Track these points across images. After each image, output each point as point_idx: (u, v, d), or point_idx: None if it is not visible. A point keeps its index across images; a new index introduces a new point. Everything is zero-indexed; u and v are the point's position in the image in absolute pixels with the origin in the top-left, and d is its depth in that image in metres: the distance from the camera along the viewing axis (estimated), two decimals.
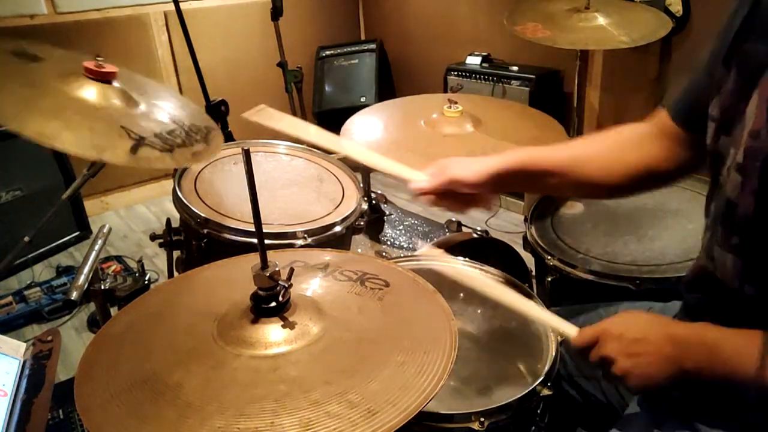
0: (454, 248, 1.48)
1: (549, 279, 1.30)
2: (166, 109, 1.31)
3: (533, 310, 0.95)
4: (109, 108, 1.18)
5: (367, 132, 1.45)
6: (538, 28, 1.83)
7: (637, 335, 0.81)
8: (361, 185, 1.57)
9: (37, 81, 1.15)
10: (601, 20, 1.92)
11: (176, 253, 1.50)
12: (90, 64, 1.21)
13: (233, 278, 0.86)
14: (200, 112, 1.42)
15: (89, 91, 1.17)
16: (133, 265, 2.62)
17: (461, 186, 0.97)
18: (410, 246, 1.77)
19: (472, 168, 0.97)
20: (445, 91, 3.03)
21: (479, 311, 1.17)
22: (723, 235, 0.79)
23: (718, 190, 0.80)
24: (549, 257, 1.31)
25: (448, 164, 0.99)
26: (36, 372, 0.86)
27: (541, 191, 1.36)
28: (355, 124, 1.48)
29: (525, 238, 1.42)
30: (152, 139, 1.15)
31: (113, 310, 1.17)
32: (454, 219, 1.79)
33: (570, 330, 0.88)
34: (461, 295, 1.18)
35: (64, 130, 1.06)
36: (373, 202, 1.88)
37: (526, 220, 1.47)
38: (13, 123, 1.02)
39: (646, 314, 0.87)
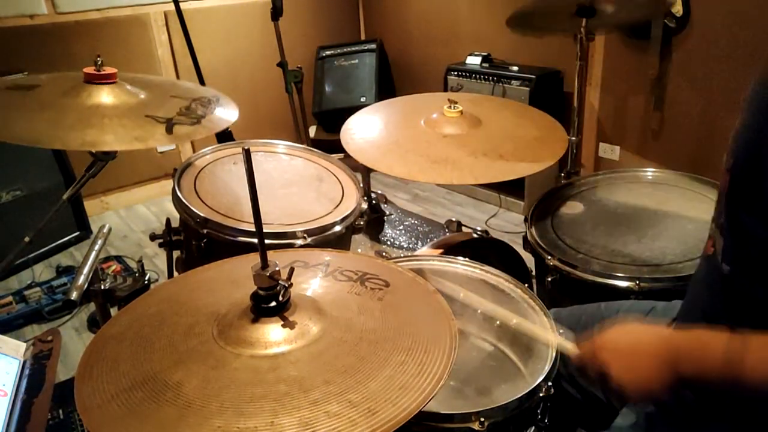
0: (454, 248, 1.48)
1: (549, 279, 1.30)
2: (170, 91, 1.39)
3: (536, 330, 0.96)
4: (123, 105, 1.25)
5: (367, 131, 1.45)
6: None
7: (631, 346, 0.81)
8: (361, 185, 1.57)
9: (47, 104, 1.22)
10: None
11: (176, 253, 1.50)
12: (90, 69, 1.23)
13: (233, 278, 0.86)
14: (197, 86, 1.49)
15: (99, 96, 1.24)
16: (133, 265, 2.62)
17: None
18: (410, 246, 1.77)
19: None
20: (445, 91, 3.03)
21: (479, 311, 1.17)
22: (716, 215, 0.82)
23: None
24: (549, 257, 1.31)
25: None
26: (36, 372, 0.86)
27: None
28: (354, 123, 1.48)
29: (525, 238, 1.42)
30: (178, 117, 1.24)
31: (113, 310, 1.17)
32: (453, 219, 1.79)
33: (570, 348, 0.89)
34: (461, 295, 1.18)
35: (103, 134, 1.14)
36: (373, 201, 1.88)
37: (526, 220, 1.47)
38: (56, 143, 1.11)
39: (637, 324, 0.86)
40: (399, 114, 1.56)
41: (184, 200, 1.34)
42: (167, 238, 1.44)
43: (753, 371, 0.70)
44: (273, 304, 0.73)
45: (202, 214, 1.29)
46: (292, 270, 0.74)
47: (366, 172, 1.80)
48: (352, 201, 1.45)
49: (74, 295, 1.05)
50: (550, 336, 0.94)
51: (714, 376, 0.73)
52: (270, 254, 0.73)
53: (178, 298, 0.86)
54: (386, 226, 1.88)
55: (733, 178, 0.77)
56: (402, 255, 1.51)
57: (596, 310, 1.11)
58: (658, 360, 0.78)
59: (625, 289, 1.20)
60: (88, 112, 1.18)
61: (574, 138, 1.89)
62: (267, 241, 0.75)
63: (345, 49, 3.67)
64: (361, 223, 1.45)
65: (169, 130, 1.18)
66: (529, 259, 1.48)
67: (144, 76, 1.42)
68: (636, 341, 0.81)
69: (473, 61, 2.99)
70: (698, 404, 0.82)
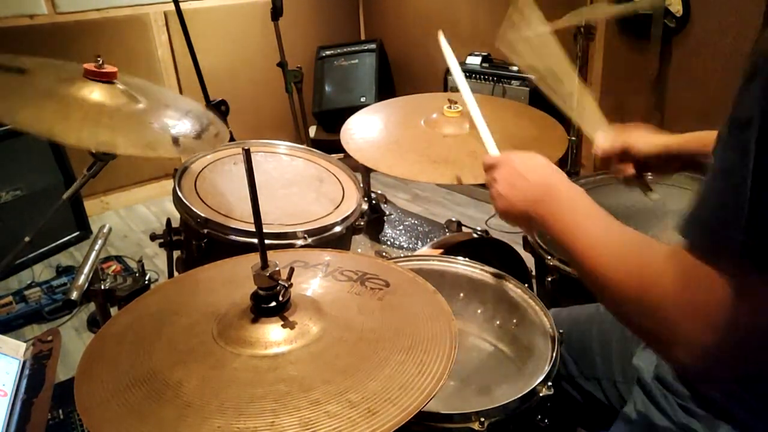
0: (454, 248, 1.48)
1: (549, 279, 1.30)
2: (170, 102, 1.36)
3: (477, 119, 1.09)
4: (125, 108, 1.22)
5: (367, 131, 1.45)
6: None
7: (523, 171, 0.88)
8: (361, 185, 1.57)
9: (47, 93, 1.18)
10: None
11: (176, 253, 1.50)
12: (90, 65, 1.22)
13: (233, 278, 0.86)
14: (196, 104, 1.46)
15: (96, 93, 1.21)
16: (133, 265, 2.62)
17: (633, 152, 1.10)
18: (410, 246, 1.77)
19: (647, 139, 1.09)
20: (445, 92, 3.03)
21: (479, 311, 1.17)
22: None
23: None
24: (549, 257, 1.31)
25: (628, 130, 1.11)
26: (36, 372, 0.86)
27: None
28: (354, 123, 1.48)
29: (525, 238, 1.42)
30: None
31: (113, 310, 1.17)
32: (454, 219, 1.79)
33: (490, 149, 1.03)
34: (461, 295, 1.18)
35: (116, 136, 1.14)
36: (373, 202, 1.88)
37: None
38: (70, 137, 1.10)
39: (546, 160, 0.91)
40: (399, 114, 1.56)
41: (184, 200, 1.34)
42: (167, 238, 1.44)
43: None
44: (273, 304, 0.73)
45: (202, 215, 1.29)
46: (292, 270, 0.74)
47: (366, 172, 1.80)
48: (352, 201, 1.45)
49: (74, 295, 1.05)
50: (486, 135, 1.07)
51: (561, 240, 0.78)
52: (270, 254, 0.73)
53: (178, 298, 0.86)
54: (386, 226, 1.88)
55: None
56: (402, 255, 1.51)
57: (596, 310, 1.11)
58: (530, 193, 0.85)
59: None
60: (93, 110, 1.16)
61: (574, 138, 1.89)
62: (267, 242, 0.74)
63: (345, 49, 3.67)
64: (362, 223, 1.45)
65: (175, 143, 1.17)
66: (529, 259, 1.48)
67: (138, 80, 1.40)
68: (529, 170, 0.88)
69: (473, 61, 2.98)
70: (701, 408, 0.82)
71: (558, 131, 1.46)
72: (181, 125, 1.25)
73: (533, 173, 0.87)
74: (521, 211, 0.86)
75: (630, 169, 1.11)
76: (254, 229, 0.72)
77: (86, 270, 1.10)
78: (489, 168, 0.94)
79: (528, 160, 0.90)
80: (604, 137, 1.13)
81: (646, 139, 1.10)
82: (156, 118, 1.23)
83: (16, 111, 1.09)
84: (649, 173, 1.14)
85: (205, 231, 1.29)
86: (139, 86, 1.33)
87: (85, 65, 1.23)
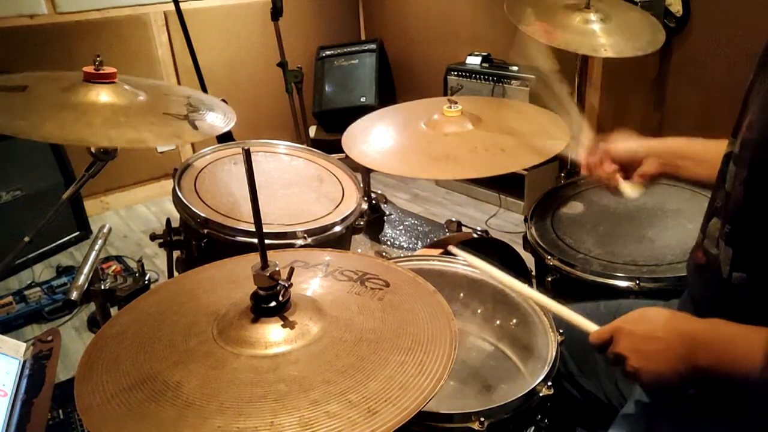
0: None
1: (549, 279, 1.30)
2: (169, 92, 1.38)
3: (553, 305, 0.95)
4: (135, 104, 1.23)
5: (370, 138, 1.44)
6: (547, 29, 1.80)
7: (649, 332, 0.80)
8: (361, 185, 1.57)
9: (56, 103, 1.18)
10: (596, 25, 1.90)
11: (176, 253, 1.50)
12: (89, 68, 1.22)
13: (233, 278, 0.86)
14: (191, 90, 1.47)
15: (104, 95, 1.22)
16: (133, 265, 2.62)
17: (613, 155, 1.12)
18: (410, 246, 1.77)
19: (623, 143, 1.12)
20: (446, 92, 3.04)
21: (479, 311, 1.17)
22: (720, 225, 0.82)
23: (722, 185, 0.83)
24: (549, 257, 1.31)
25: (610, 137, 1.14)
26: (36, 372, 0.86)
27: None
28: (356, 131, 1.47)
29: (525, 238, 1.42)
30: (193, 114, 1.22)
31: (113, 310, 1.17)
32: (453, 219, 1.79)
33: (589, 327, 0.88)
34: (461, 295, 1.18)
35: (141, 132, 1.14)
36: (373, 202, 1.88)
37: (526, 220, 1.47)
38: (103, 141, 1.13)
39: (658, 311, 0.84)
40: (399, 119, 1.56)
41: (184, 200, 1.34)
42: (167, 238, 1.44)
43: None
44: (273, 304, 0.73)
45: (202, 214, 1.29)
46: (292, 270, 0.74)
47: (366, 172, 1.80)
48: (352, 201, 1.45)
49: (74, 295, 1.05)
50: (569, 314, 0.93)
51: (735, 369, 0.72)
52: (270, 254, 0.73)
53: (178, 298, 0.86)
54: (386, 226, 1.88)
55: (749, 192, 0.76)
56: (402, 255, 1.51)
57: (596, 310, 1.11)
58: (674, 350, 0.77)
59: (625, 289, 1.20)
60: (108, 111, 1.16)
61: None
62: (267, 241, 0.75)
63: (345, 49, 3.67)
64: (361, 223, 1.45)
65: (194, 126, 1.16)
66: (529, 259, 1.48)
67: (133, 78, 1.40)
68: (654, 329, 0.80)
69: (473, 61, 2.99)
70: (699, 399, 0.82)
71: (559, 124, 1.45)
72: (190, 109, 1.26)
73: (660, 329, 0.80)
74: (675, 374, 0.77)
75: (612, 172, 1.11)
76: (254, 229, 0.72)
77: (86, 270, 1.10)
78: (603, 345, 0.85)
79: (641, 319, 0.83)
80: (584, 148, 1.18)
81: (621, 143, 1.12)
82: (165, 109, 1.23)
83: (39, 125, 1.09)
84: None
85: (205, 231, 1.29)
86: (137, 82, 1.33)
87: (84, 69, 1.23)
